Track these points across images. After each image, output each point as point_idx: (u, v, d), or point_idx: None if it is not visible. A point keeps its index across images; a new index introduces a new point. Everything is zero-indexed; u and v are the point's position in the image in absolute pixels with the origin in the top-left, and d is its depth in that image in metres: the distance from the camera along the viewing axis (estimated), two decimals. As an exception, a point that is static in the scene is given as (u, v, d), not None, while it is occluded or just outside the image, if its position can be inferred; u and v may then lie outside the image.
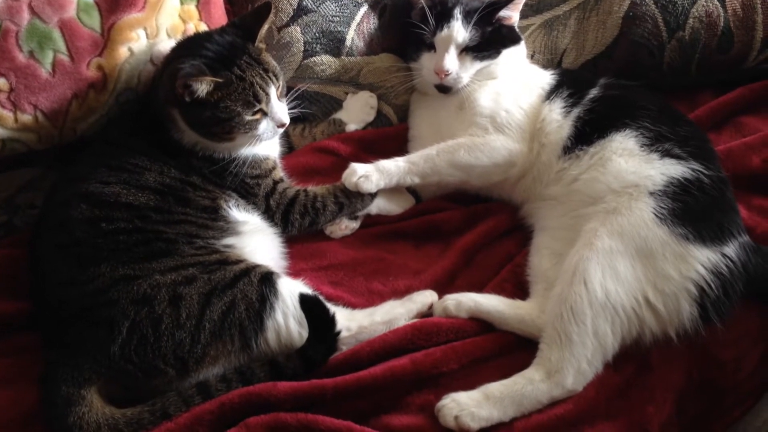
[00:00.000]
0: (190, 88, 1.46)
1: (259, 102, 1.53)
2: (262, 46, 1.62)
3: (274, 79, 1.57)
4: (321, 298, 1.47)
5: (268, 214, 1.65)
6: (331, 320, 1.40)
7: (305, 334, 1.42)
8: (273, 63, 1.60)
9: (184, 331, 1.36)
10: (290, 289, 1.44)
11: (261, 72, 1.54)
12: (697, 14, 1.98)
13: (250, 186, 1.63)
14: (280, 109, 1.58)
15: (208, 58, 1.51)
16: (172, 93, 1.50)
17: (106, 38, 1.63)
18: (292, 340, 1.43)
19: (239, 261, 1.47)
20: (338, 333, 1.41)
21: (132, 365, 1.34)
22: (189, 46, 1.59)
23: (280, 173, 1.72)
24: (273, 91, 1.56)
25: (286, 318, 1.42)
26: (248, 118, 1.53)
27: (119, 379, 1.36)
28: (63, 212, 1.46)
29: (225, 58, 1.52)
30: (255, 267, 1.46)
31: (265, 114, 1.56)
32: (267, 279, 1.43)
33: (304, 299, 1.41)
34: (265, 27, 1.61)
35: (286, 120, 1.60)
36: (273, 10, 1.88)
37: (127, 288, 1.36)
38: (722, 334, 1.48)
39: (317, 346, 1.40)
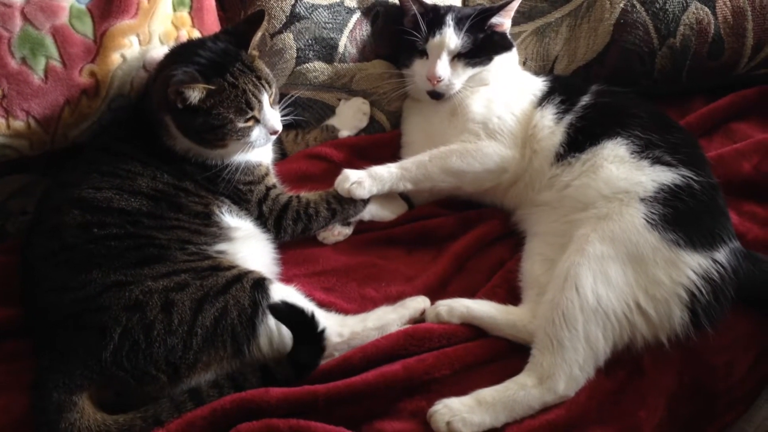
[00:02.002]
0: (182, 94, 1.46)
1: (252, 109, 1.54)
2: (255, 53, 1.62)
3: (266, 86, 1.57)
4: (297, 301, 1.46)
5: (261, 220, 1.65)
6: (311, 320, 1.39)
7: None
8: (266, 70, 1.61)
9: (176, 337, 1.35)
10: (282, 295, 1.44)
11: (254, 79, 1.55)
12: (687, 21, 1.99)
13: (243, 192, 1.63)
14: (273, 116, 1.58)
15: (201, 65, 1.51)
16: (164, 99, 1.50)
17: (99, 45, 1.63)
18: (285, 346, 1.42)
19: (232, 267, 1.47)
20: (323, 331, 1.40)
21: (124, 371, 1.34)
22: (182, 52, 1.59)
23: (272, 179, 1.72)
24: (265, 98, 1.57)
25: (279, 323, 1.42)
26: (241, 125, 1.53)
27: (111, 385, 1.35)
28: (55, 218, 1.46)
29: (218, 65, 1.52)
30: (247, 273, 1.46)
31: (257, 121, 1.56)
32: (259, 285, 1.43)
33: (273, 308, 1.39)
34: (258, 34, 1.61)
35: (279, 127, 1.60)
36: (266, 17, 1.88)
37: (118, 294, 1.36)
38: (713, 340, 1.48)
39: (305, 348, 1.40)
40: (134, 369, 1.34)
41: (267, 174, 1.70)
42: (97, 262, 1.39)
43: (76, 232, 1.43)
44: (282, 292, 1.45)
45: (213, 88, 1.48)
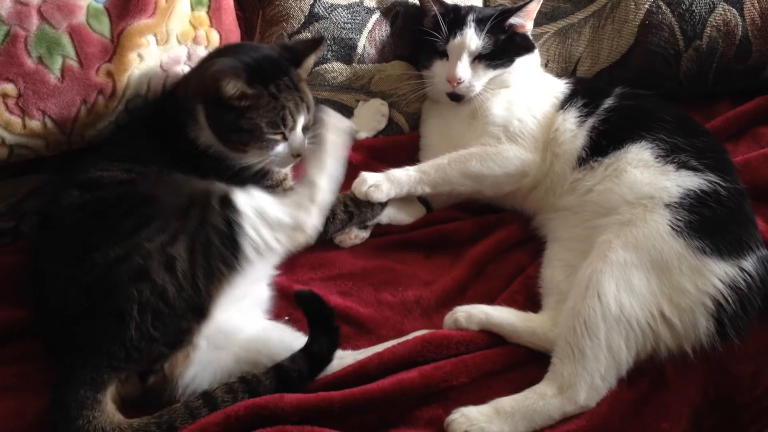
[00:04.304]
0: (218, 82, 1.45)
1: (285, 126, 1.52)
2: (304, 75, 1.61)
3: (306, 110, 1.56)
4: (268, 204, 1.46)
5: None
6: (330, 311, 1.40)
7: (282, 237, 1.43)
8: (309, 95, 1.59)
9: (188, 286, 1.35)
10: (247, 202, 1.42)
11: (297, 99, 1.53)
12: (714, 23, 1.96)
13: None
14: (301, 139, 1.56)
15: (248, 66, 1.49)
16: (202, 86, 1.50)
17: (116, 44, 1.62)
18: (271, 247, 1.43)
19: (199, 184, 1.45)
20: (338, 327, 1.41)
21: (155, 342, 1.33)
22: (235, 50, 1.59)
23: (290, 183, 1.70)
24: (301, 121, 1.55)
25: (257, 230, 1.41)
26: (269, 136, 1.51)
27: (139, 364, 1.35)
28: (56, 205, 1.45)
29: (265, 72, 1.51)
30: (211, 191, 1.43)
31: (285, 139, 1.54)
32: (225, 201, 1.41)
33: (300, 295, 1.41)
34: (312, 58, 1.62)
35: (304, 153, 1.56)
36: (284, 17, 1.88)
37: (120, 269, 1.34)
38: (739, 350, 1.45)
39: (320, 339, 1.39)
40: (165, 334, 1.33)
41: (285, 179, 1.69)
42: (95, 242, 1.37)
43: (74, 213, 1.42)
44: (245, 198, 1.43)
45: (249, 92, 1.47)
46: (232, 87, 1.45)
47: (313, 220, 1.48)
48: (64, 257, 1.40)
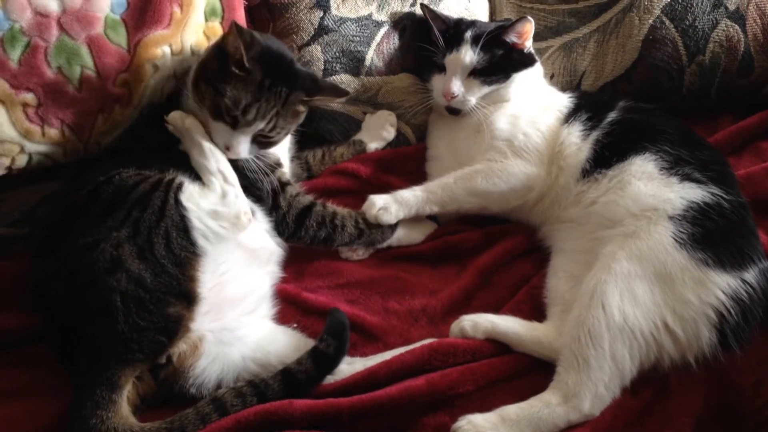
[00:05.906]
0: (232, 34, 1.51)
1: (242, 116, 1.53)
2: (303, 110, 1.64)
3: (271, 128, 1.57)
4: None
5: (278, 214, 1.65)
6: (345, 322, 1.48)
7: (225, 224, 1.48)
8: (288, 126, 1.62)
9: (161, 275, 1.39)
10: (190, 197, 1.48)
11: (273, 111, 1.55)
12: (717, 38, 1.98)
13: (251, 180, 1.62)
14: (239, 142, 1.56)
15: (268, 47, 1.57)
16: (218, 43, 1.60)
17: (133, 54, 1.65)
18: (218, 235, 1.48)
19: (149, 176, 1.49)
20: (348, 333, 1.48)
21: (147, 331, 1.35)
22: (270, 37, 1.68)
23: (286, 175, 1.72)
24: (257, 126, 1.55)
25: (202, 220, 1.46)
26: (229, 107, 1.52)
27: (146, 358, 1.37)
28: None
29: (279, 71, 1.56)
30: (169, 182, 1.48)
31: (233, 127, 1.55)
32: (177, 197, 1.46)
33: (334, 310, 1.51)
34: (323, 100, 1.68)
35: (235, 153, 1.56)
36: (294, 29, 1.90)
37: (94, 259, 1.37)
38: (741, 360, 1.46)
39: (329, 339, 1.44)
40: (154, 322, 1.36)
41: (279, 164, 1.70)
42: (67, 234, 1.42)
43: (55, 213, 1.50)
44: (188, 193, 1.48)
45: (247, 64, 1.51)
46: (234, 45, 1.51)
47: (240, 203, 1.53)
48: (46, 253, 1.44)
